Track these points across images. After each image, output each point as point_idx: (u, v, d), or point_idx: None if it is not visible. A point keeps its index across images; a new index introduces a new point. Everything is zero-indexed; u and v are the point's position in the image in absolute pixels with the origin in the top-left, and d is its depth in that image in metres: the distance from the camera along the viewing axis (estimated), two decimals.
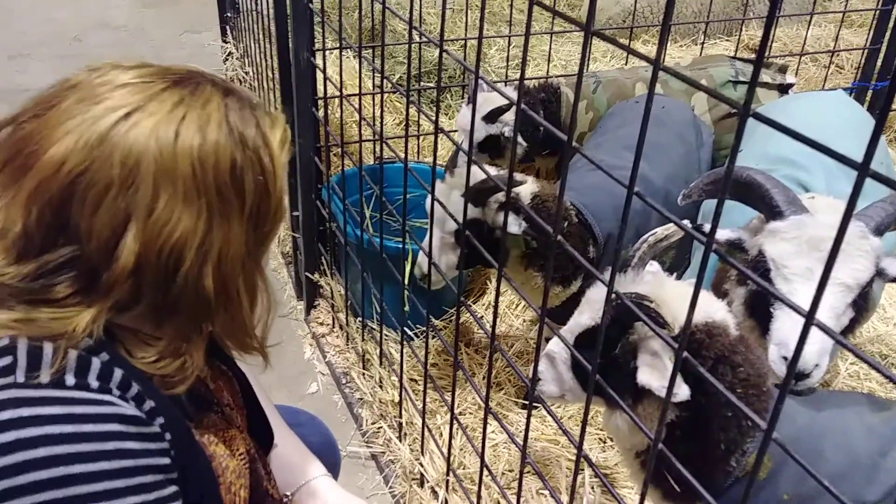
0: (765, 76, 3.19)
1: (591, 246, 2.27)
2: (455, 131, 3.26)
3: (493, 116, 3.03)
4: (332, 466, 1.78)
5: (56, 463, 0.87)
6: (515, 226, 2.05)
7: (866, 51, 3.93)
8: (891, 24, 3.77)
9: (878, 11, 3.87)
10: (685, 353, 1.00)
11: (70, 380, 0.92)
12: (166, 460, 0.98)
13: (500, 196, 2.07)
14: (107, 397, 0.93)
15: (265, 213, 1.05)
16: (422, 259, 2.24)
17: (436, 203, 1.91)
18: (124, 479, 0.92)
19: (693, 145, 2.69)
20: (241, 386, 1.37)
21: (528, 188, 2.18)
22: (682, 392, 1.24)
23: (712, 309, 1.36)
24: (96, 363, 0.95)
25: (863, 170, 0.69)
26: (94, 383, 0.94)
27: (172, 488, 0.99)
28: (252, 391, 1.40)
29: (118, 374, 0.96)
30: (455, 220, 1.55)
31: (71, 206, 0.92)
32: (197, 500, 1.05)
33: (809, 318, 0.77)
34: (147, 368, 1.01)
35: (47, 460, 0.87)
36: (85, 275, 0.95)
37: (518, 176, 2.23)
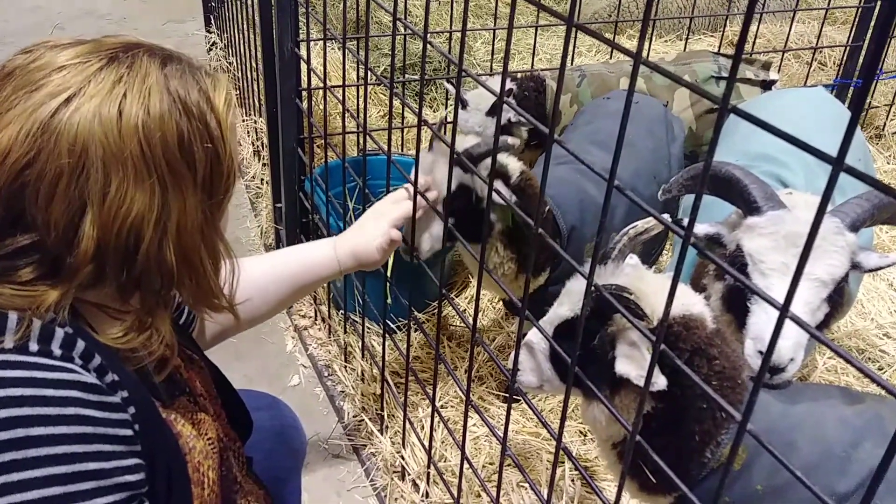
0: (748, 72, 3.22)
1: (556, 238, 2.28)
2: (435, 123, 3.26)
3: (495, 110, 3.04)
4: (297, 452, 1.79)
5: (16, 424, 0.88)
6: (504, 195, 2.05)
7: (849, 48, 3.97)
8: (873, 22, 3.81)
9: (860, 9, 3.90)
10: (662, 346, 1.01)
11: (33, 346, 0.93)
12: (128, 431, 0.99)
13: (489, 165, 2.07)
14: (69, 365, 0.94)
15: (218, 179, 1.05)
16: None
17: (423, 167, 1.90)
18: (83, 444, 0.92)
19: (663, 140, 2.70)
20: (215, 377, 1.36)
21: (516, 164, 2.19)
22: (660, 382, 1.25)
23: (690, 302, 1.38)
24: (60, 333, 0.96)
25: (837, 165, 0.69)
26: (57, 351, 0.94)
27: (134, 460, 0.99)
28: (228, 382, 1.40)
29: (81, 344, 0.97)
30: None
31: (23, 199, 0.92)
32: (164, 475, 1.05)
33: (784, 311, 0.78)
34: (113, 343, 1.01)
35: (7, 421, 0.88)
36: (47, 260, 0.95)
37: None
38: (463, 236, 1.68)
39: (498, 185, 2.05)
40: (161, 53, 1.04)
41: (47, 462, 0.89)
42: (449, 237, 1.78)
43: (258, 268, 1.61)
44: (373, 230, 1.70)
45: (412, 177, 1.74)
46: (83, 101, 0.93)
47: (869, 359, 2.95)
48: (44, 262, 0.95)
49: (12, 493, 0.87)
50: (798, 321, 0.79)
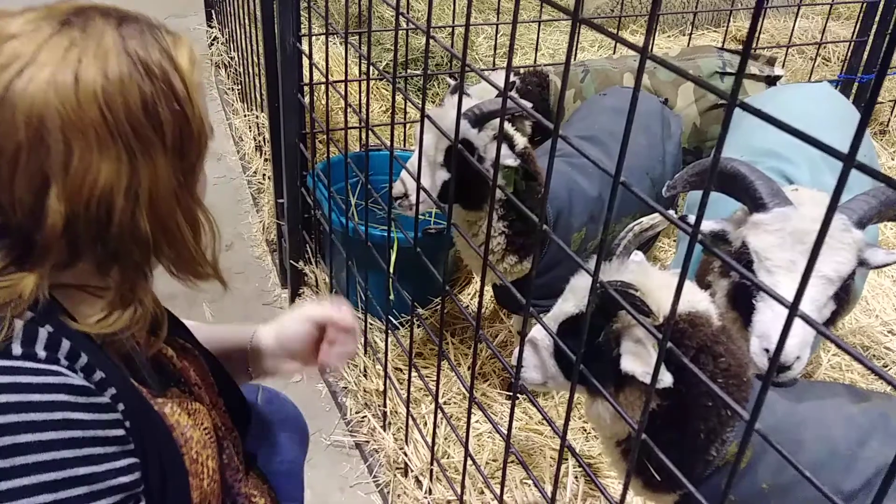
0: (752, 68, 3.20)
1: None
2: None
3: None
4: (299, 444, 1.78)
5: (2, 432, 0.85)
6: (511, 158, 2.04)
7: (853, 43, 3.95)
8: (877, 17, 3.79)
9: (864, 4, 3.88)
10: (669, 343, 1.00)
11: (17, 349, 0.90)
12: (119, 431, 0.96)
13: (494, 128, 2.07)
14: (54, 367, 0.91)
15: (189, 141, 1.01)
16: (405, 178, 2.17)
17: (428, 126, 1.89)
18: (72, 449, 0.90)
19: (658, 137, 2.69)
20: (213, 367, 1.35)
21: (522, 139, 2.19)
22: (666, 379, 1.25)
23: (696, 299, 1.37)
24: (43, 333, 0.92)
25: (848, 161, 0.68)
26: (42, 353, 0.91)
27: (128, 460, 0.97)
28: (225, 373, 1.38)
29: (66, 344, 0.93)
30: (448, 137, 1.50)
31: None
32: (158, 469, 1.03)
33: (793, 309, 0.77)
34: (98, 329, 0.98)
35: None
36: (18, 242, 0.92)
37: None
38: (458, 198, 1.65)
39: (503, 149, 2.03)
40: (116, 14, 0.98)
41: (36, 469, 0.86)
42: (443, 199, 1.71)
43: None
44: (291, 320, 1.49)
45: (413, 169, 1.73)
46: (36, 70, 0.88)
47: (874, 356, 2.94)
48: (15, 245, 0.92)
49: (1, 502, 0.85)
50: (807, 319, 0.78)
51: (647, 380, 1.28)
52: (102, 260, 0.98)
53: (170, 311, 1.39)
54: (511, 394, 2.66)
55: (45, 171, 0.89)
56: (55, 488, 0.88)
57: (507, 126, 2.11)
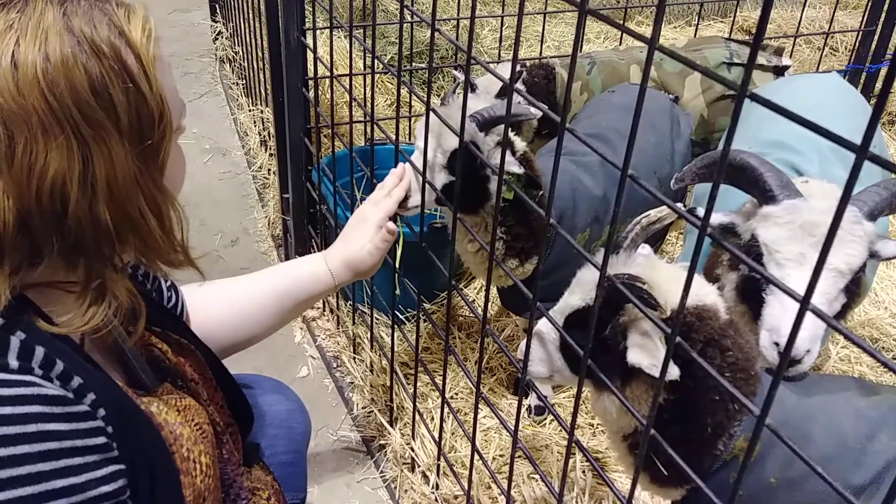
0: (760, 58, 3.18)
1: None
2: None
3: (504, 94, 3.02)
4: (302, 435, 1.78)
5: None
6: (515, 165, 2.03)
7: (861, 33, 3.91)
8: (886, 6, 3.75)
9: None
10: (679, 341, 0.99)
11: None
12: (100, 439, 0.93)
13: (498, 134, 2.05)
14: (27, 377, 0.87)
15: (148, 121, 0.94)
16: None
17: (430, 127, 1.88)
18: (49, 461, 0.86)
19: (666, 135, 2.67)
20: (210, 362, 1.34)
21: (521, 143, 2.18)
22: (673, 372, 1.24)
23: (703, 292, 1.36)
24: (15, 342, 0.88)
25: (861, 153, 0.67)
26: (14, 363, 0.87)
27: (110, 468, 0.94)
28: (224, 368, 1.38)
29: (40, 351, 0.90)
30: (454, 131, 1.49)
31: None
32: (146, 472, 1.00)
33: (804, 303, 0.76)
34: (73, 330, 0.94)
35: None
36: None
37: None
38: (455, 202, 1.64)
39: (508, 156, 2.02)
40: None
41: (11, 484, 0.83)
42: (441, 202, 1.72)
43: (244, 286, 1.59)
44: (359, 238, 1.68)
45: (417, 162, 1.72)
46: None
47: (883, 348, 2.92)
48: None
49: None
50: (819, 313, 0.77)
51: (654, 372, 1.27)
52: (66, 253, 0.93)
53: (166, 307, 1.39)
54: (517, 389, 2.65)
55: None
56: (33, 502, 0.85)
57: (509, 132, 2.10)
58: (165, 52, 1.03)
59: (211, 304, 1.55)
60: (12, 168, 0.85)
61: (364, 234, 1.68)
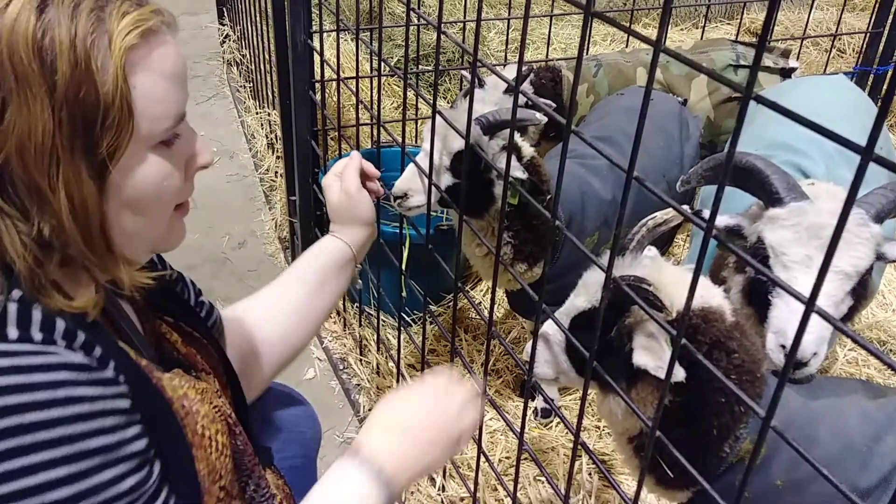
0: (767, 60, 3.17)
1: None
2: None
3: (512, 89, 3.03)
4: (312, 439, 1.79)
5: (7, 413, 0.86)
6: (519, 171, 2.03)
7: (868, 35, 3.91)
8: (893, 8, 3.74)
9: None
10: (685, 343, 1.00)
11: (13, 333, 0.89)
12: (126, 403, 0.96)
13: (504, 138, 2.06)
14: (52, 348, 0.90)
15: (90, 105, 0.90)
16: (407, 178, 2.18)
17: (436, 129, 1.89)
18: (81, 423, 0.90)
19: (675, 139, 2.66)
20: (221, 359, 1.35)
21: (528, 147, 2.18)
22: (679, 374, 1.24)
23: (709, 295, 1.36)
24: (37, 315, 0.91)
25: (866, 155, 0.67)
26: (38, 335, 0.90)
27: (136, 429, 0.97)
28: (232, 368, 1.38)
29: (61, 324, 0.92)
30: (459, 133, 1.49)
31: None
32: (157, 442, 1.02)
33: (810, 305, 0.76)
34: (93, 303, 0.97)
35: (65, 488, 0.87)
36: None
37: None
38: (459, 205, 1.65)
39: (513, 161, 2.02)
40: None
41: (46, 446, 0.87)
42: (443, 203, 1.71)
43: (272, 290, 1.59)
44: (337, 192, 1.67)
45: (422, 164, 1.72)
46: None
47: (890, 350, 2.91)
48: None
49: (18, 478, 0.86)
50: (825, 315, 0.77)
51: (660, 374, 1.27)
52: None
53: (179, 296, 1.39)
54: (523, 391, 2.65)
55: None
56: (69, 461, 0.89)
57: (515, 136, 2.10)
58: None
59: (267, 312, 1.57)
60: None
61: (337, 187, 1.67)
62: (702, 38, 3.94)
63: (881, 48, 3.84)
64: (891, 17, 3.75)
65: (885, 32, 3.78)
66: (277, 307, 1.58)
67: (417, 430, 1.23)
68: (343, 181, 1.65)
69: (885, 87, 3.94)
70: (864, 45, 3.97)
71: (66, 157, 0.91)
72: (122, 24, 0.92)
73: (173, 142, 1.02)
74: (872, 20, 3.86)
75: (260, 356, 1.54)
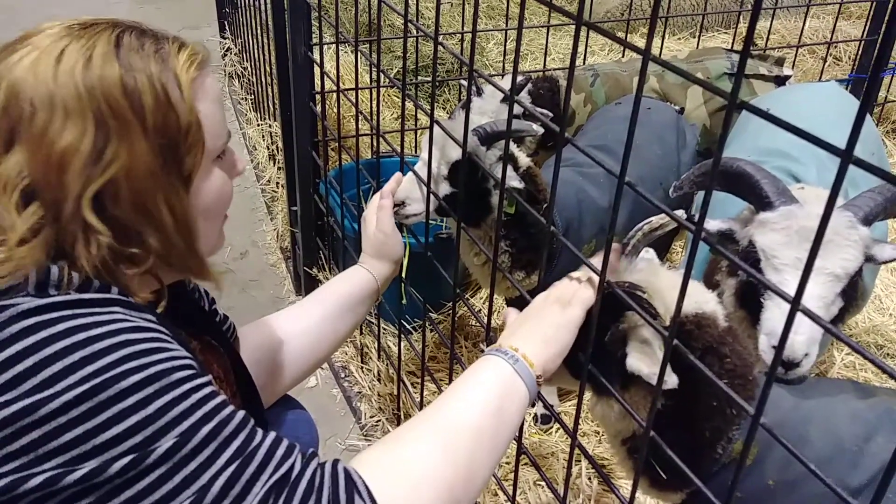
0: (761, 68, 3.20)
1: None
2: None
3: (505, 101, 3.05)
4: (308, 445, 1.81)
5: (139, 370, 0.93)
6: (516, 180, 2.05)
7: (863, 42, 3.94)
8: (887, 16, 3.78)
9: (875, 2, 3.87)
10: (676, 344, 1.02)
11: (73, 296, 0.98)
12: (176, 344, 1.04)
13: (501, 148, 2.08)
14: (108, 308, 0.99)
15: (173, 128, 1.04)
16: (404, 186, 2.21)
17: (434, 139, 1.91)
18: (146, 341, 0.97)
19: (672, 147, 2.69)
20: (235, 365, 1.38)
21: (525, 157, 2.20)
22: (672, 381, 1.25)
23: (703, 300, 1.37)
24: (97, 284, 1.01)
25: (846, 157, 0.70)
26: (96, 296, 1.00)
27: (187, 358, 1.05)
28: (247, 372, 1.41)
29: (115, 290, 1.02)
30: (457, 142, 1.52)
31: None
32: None
33: (795, 304, 0.79)
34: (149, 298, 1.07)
35: (135, 369, 0.93)
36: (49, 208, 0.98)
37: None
38: (456, 214, 1.67)
39: (509, 170, 2.05)
40: (126, 24, 1.07)
41: (126, 360, 0.94)
42: (441, 213, 1.73)
43: (306, 312, 1.64)
44: (373, 229, 1.76)
45: (422, 174, 1.75)
46: (28, 50, 0.99)
47: (887, 354, 2.93)
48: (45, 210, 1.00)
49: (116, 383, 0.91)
50: (810, 314, 0.79)
51: (653, 381, 1.29)
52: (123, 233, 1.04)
53: (197, 303, 1.43)
54: None
55: (12, 128, 0.97)
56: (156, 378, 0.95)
57: (512, 146, 2.12)
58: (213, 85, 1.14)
59: (295, 326, 1.61)
60: (31, 130, 0.97)
61: (373, 224, 1.77)
62: (698, 47, 3.98)
63: (875, 55, 3.87)
64: (885, 24, 3.79)
65: (880, 40, 3.82)
66: (304, 324, 1.63)
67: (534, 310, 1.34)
68: (379, 222, 1.76)
69: (882, 93, 3.98)
70: (860, 53, 4.00)
71: (163, 177, 1.04)
72: (181, 60, 1.06)
73: (223, 155, 1.16)
74: (867, 28, 3.90)
75: (282, 368, 1.58)
